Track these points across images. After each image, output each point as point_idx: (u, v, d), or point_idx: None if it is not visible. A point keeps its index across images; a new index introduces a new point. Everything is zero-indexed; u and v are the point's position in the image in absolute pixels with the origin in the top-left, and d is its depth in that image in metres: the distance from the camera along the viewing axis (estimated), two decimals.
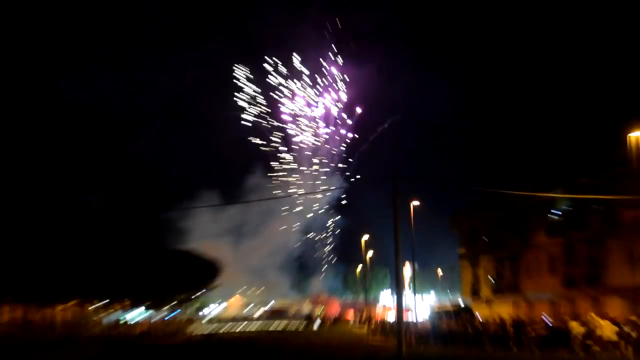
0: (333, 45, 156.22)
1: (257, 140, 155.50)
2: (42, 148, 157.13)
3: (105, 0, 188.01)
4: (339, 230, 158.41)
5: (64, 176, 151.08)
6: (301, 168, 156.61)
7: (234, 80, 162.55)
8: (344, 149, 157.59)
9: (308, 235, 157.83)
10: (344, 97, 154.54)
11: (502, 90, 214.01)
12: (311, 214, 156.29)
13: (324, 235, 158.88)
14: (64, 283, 64.45)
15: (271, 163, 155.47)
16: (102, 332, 70.30)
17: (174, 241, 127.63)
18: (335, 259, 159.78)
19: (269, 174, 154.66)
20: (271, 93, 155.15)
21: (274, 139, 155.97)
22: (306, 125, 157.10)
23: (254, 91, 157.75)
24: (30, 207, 61.02)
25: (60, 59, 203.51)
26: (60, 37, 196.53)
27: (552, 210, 51.55)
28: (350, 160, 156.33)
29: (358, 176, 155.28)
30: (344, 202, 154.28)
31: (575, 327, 35.07)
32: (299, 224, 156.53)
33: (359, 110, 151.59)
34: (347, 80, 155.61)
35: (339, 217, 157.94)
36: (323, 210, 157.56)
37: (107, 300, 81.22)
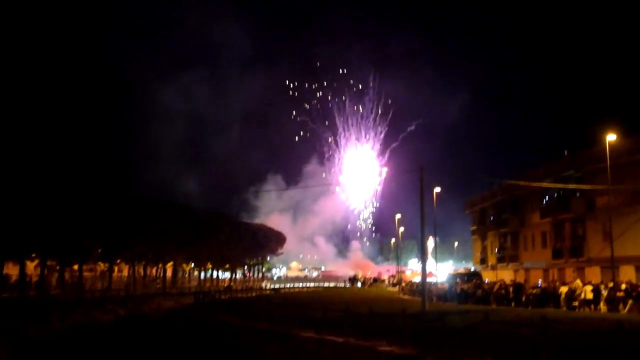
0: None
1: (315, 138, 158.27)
2: (148, 146, 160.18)
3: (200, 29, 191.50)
4: (376, 207, 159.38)
5: (166, 167, 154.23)
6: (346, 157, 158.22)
7: (297, 94, 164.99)
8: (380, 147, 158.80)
9: (352, 209, 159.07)
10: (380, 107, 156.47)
11: (506, 96, 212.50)
12: (355, 195, 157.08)
13: (364, 210, 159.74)
14: (168, 250, 66.37)
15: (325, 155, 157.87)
16: (197, 286, 72.20)
17: (249, 216, 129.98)
18: (374, 230, 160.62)
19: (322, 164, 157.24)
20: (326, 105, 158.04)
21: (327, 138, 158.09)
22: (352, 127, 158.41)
23: (314, 103, 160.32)
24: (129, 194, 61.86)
25: (165, 74, 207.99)
26: (167, 57, 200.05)
27: (544, 197, 51.48)
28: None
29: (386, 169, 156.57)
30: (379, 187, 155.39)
31: (562, 289, 35.20)
32: (346, 203, 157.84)
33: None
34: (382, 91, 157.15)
35: (376, 199, 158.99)
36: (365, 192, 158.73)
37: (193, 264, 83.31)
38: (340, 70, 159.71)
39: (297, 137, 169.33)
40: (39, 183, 45.07)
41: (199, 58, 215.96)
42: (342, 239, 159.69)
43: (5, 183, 41.74)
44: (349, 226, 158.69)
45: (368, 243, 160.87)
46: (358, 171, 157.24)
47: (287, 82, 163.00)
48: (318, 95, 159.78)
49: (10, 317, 36.29)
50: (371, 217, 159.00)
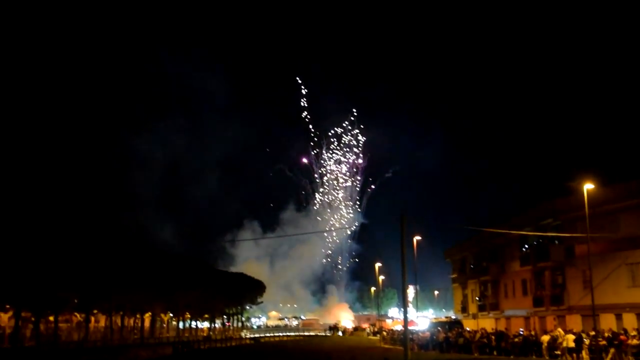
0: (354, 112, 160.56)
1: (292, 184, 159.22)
2: (124, 194, 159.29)
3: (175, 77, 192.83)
4: (354, 255, 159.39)
5: (142, 215, 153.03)
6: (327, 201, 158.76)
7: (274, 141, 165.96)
8: (358, 195, 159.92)
9: (329, 259, 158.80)
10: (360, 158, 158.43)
11: (482, 146, 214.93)
12: (332, 241, 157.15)
13: (343, 259, 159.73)
14: (146, 300, 65.22)
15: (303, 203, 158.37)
16: (175, 336, 70.82)
17: (224, 263, 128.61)
18: (352, 278, 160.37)
19: (299, 210, 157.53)
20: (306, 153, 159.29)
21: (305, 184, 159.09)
22: (331, 175, 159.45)
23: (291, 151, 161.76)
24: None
25: (141, 122, 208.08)
26: (143, 105, 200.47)
27: (524, 245, 51.56)
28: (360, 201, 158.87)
29: (365, 221, 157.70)
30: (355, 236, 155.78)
31: (544, 338, 35.01)
32: (323, 250, 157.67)
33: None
34: (363, 139, 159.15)
35: (355, 245, 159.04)
36: (343, 238, 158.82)
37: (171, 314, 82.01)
38: (318, 118, 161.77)
39: (273, 184, 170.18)
40: (12, 232, 44.25)
41: (176, 106, 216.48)
42: (319, 286, 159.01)
43: None
44: (324, 274, 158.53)
45: (346, 291, 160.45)
46: (336, 217, 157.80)
47: (263, 129, 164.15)
48: (296, 142, 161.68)
49: None
50: (348, 265, 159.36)
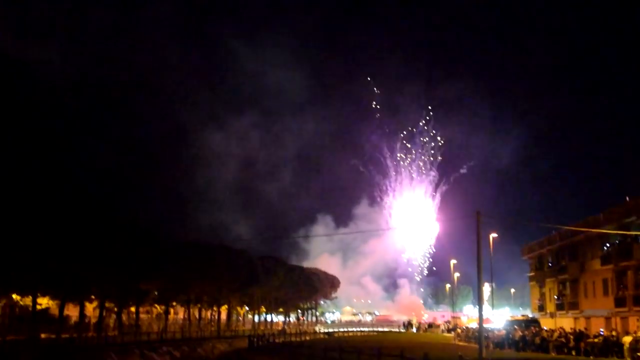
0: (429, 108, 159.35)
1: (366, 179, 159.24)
2: (199, 191, 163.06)
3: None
4: (429, 251, 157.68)
5: (217, 211, 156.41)
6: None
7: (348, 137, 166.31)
8: (433, 191, 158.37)
9: (403, 255, 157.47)
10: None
11: (564, 139, 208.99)
12: (406, 237, 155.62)
13: (417, 255, 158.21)
14: (220, 294, 66.95)
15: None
16: (251, 329, 72.19)
17: (298, 258, 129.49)
18: (426, 274, 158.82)
19: (372, 205, 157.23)
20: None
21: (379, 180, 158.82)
22: (406, 171, 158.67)
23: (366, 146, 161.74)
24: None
25: (218, 118, 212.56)
26: (220, 101, 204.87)
27: (605, 244, 49.98)
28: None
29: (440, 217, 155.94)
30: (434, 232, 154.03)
31: (626, 339, 33.93)
32: (397, 246, 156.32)
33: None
34: (438, 136, 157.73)
35: (431, 241, 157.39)
36: (418, 234, 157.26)
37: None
38: (393, 113, 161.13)
39: (347, 180, 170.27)
40: (100, 229, 46.19)
41: (252, 102, 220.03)
42: (391, 281, 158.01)
43: (67, 229, 42.89)
44: (396, 269, 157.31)
45: (421, 287, 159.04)
46: (410, 214, 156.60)
47: (338, 125, 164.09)
48: (370, 138, 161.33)
49: (69, 357, 36.93)
50: (424, 260, 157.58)
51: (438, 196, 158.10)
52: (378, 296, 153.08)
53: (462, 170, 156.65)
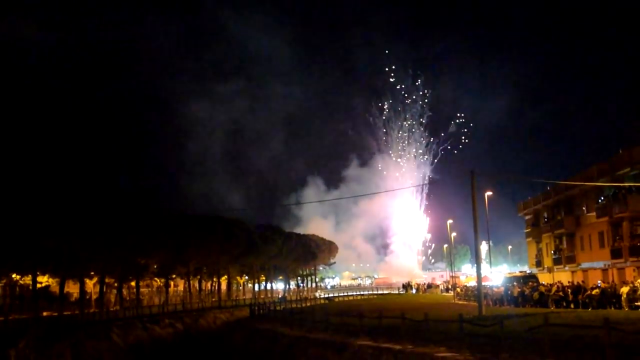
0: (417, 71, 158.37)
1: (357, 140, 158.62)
2: (189, 161, 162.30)
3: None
4: (424, 211, 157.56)
5: (208, 180, 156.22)
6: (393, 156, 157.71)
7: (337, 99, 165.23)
8: (425, 151, 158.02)
9: (397, 215, 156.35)
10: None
11: (556, 93, 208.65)
12: (399, 197, 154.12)
13: (412, 215, 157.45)
14: (219, 264, 67.24)
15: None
16: (252, 298, 72.68)
17: (291, 224, 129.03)
18: (427, 236, 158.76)
19: (362, 166, 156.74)
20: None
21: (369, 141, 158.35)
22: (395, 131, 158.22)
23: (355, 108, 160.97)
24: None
25: (204, 86, 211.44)
26: (205, 69, 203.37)
27: (600, 196, 50.20)
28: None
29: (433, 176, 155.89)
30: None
31: (623, 289, 34.28)
32: (389, 206, 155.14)
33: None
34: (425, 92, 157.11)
35: (425, 201, 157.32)
36: (412, 194, 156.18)
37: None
38: (381, 74, 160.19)
39: (337, 143, 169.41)
40: (96, 204, 46.24)
41: (238, 69, 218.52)
42: (383, 243, 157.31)
43: (62, 207, 42.92)
44: (389, 231, 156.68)
45: (418, 248, 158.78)
46: (401, 173, 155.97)
47: (325, 88, 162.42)
48: (359, 100, 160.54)
49: (73, 334, 37.19)
50: (419, 221, 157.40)
51: (430, 156, 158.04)
52: (371, 258, 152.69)
53: (451, 129, 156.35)
